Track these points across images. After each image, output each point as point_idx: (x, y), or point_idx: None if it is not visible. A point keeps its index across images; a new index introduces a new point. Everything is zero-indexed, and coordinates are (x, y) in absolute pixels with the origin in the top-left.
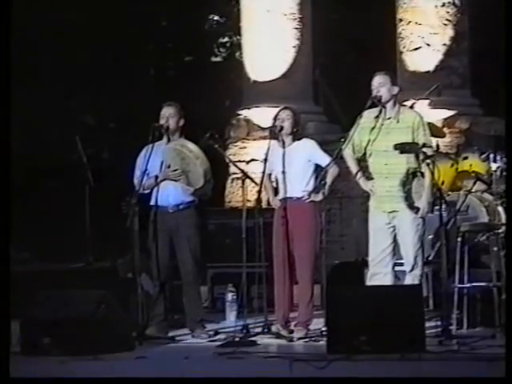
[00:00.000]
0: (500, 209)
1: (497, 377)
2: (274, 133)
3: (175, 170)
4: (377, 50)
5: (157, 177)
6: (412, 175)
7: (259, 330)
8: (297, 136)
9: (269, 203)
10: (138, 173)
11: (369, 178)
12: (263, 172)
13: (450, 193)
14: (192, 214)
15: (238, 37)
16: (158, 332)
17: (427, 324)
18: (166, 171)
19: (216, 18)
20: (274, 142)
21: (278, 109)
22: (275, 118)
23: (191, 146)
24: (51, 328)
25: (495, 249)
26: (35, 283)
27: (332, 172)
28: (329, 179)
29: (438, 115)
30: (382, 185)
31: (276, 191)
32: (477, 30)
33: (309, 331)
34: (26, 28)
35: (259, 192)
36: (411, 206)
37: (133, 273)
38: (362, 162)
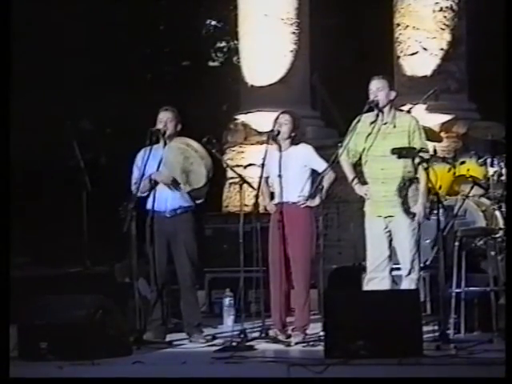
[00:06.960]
0: (497, 213)
1: (496, 377)
2: (271, 137)
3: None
4: (374, 54)
5: (151, 178)
6: (409, 181)
7: (257, 334)
8: (295, 141)
9: (265, 208)
10: (135, 176)
11: (364, 182)
12: (260, 176)
13: (447, 197)
14: (189, 218)
15: (236, 41)
16: (155, 337)
17: (425, 328)
18: (160, 172)
19: (213, 22)
20: (271, 145)
21: (278, 112)
22: (275, 122)
23: (196, 145)
24: (48, 333)
25: (492, 253)
26: (32, 288)
27: (328, 177)
28: (325, 184)
29: (436, 120)
30: (378, 190)
31: (272, 196)
32: (474, 35)
33: (306, 336)
34: (25, 33)
35: (257, 197)
36: (407, 212)
37: (130, 277)
38: (357, 166)
